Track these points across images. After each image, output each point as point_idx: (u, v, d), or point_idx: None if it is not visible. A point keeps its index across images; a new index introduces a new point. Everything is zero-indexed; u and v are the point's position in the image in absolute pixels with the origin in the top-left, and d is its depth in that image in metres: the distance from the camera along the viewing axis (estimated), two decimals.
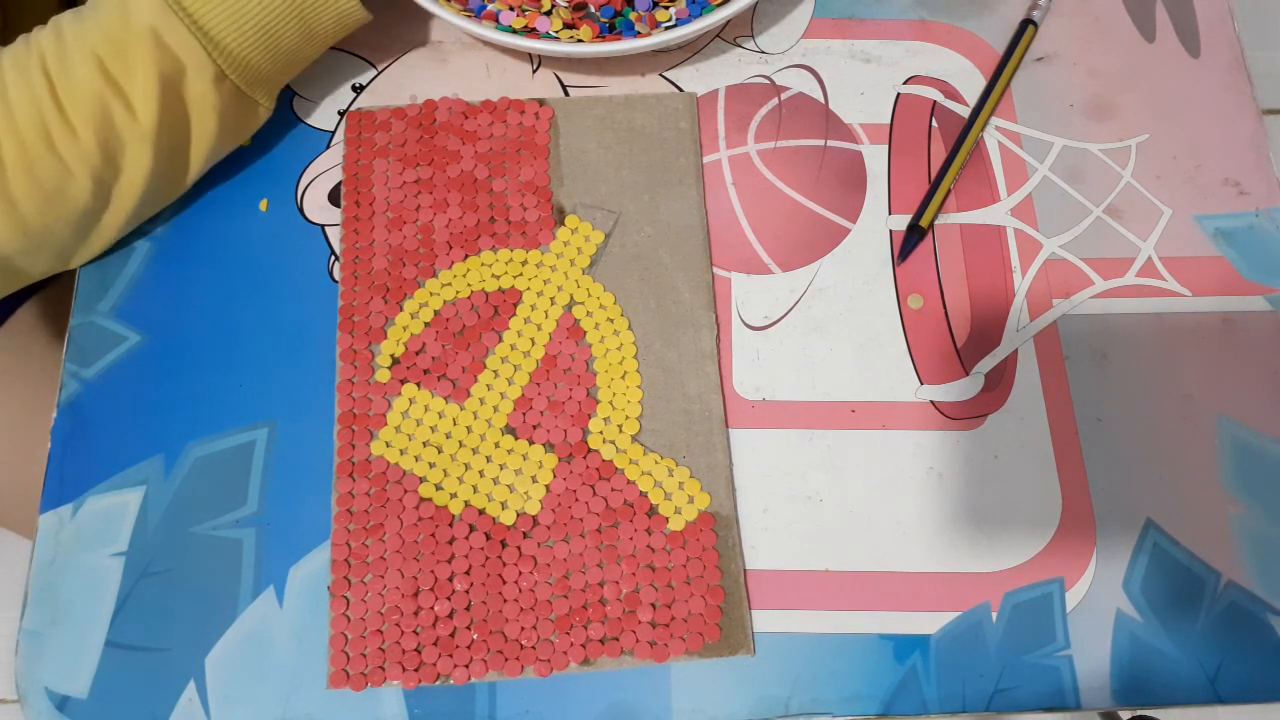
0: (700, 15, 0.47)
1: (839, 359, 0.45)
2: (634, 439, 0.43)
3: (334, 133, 0.49)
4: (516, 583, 0.41)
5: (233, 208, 0.47)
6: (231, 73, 0.41)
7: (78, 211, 0.41)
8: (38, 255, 0.42)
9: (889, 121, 0.50)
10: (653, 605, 0.40)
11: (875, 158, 0.50)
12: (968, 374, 0.45)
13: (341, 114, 0.49)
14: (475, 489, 0.42)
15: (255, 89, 0.43)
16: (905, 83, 0.51)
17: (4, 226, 0.39)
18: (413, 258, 0.46)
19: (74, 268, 0.45)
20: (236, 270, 0.46)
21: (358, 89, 0.50)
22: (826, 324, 0.46)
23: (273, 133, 0.48)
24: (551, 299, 0.45)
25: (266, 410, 0.44)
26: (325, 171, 0.48)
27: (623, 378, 0.44)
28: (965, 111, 0.51)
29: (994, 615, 0.41)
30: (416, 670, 0.39)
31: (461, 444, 0.43)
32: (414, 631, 0.40)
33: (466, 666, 0.39)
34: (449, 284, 0.45)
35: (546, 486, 0.42)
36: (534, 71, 0.51)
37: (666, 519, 0.42)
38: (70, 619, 0.40)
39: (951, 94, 0.51)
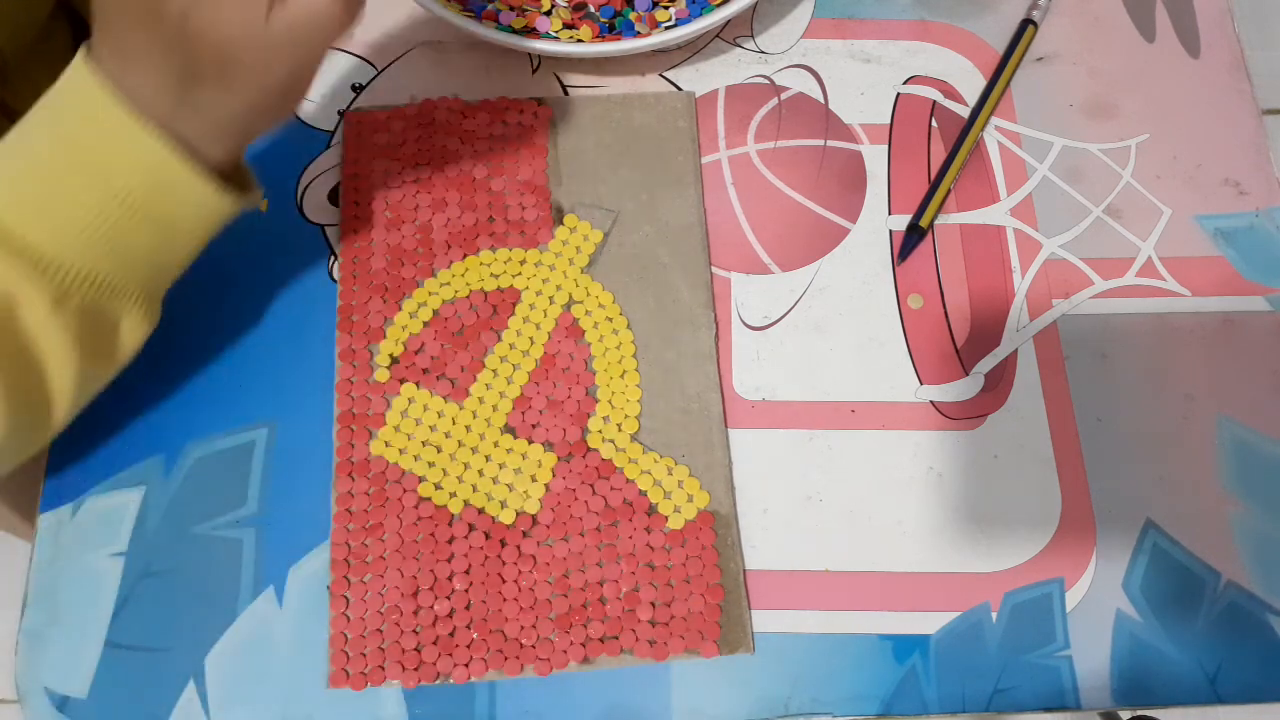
0: (700, 15, 0.47)
1: (839, 359, 0.45)
2: (633, 438, 0.43)
3: (333, 133, 0.49)
4: (516, 582, 0.41)
5: None
6: (77, 292, 0.34)
7: None
8: None
9: (889, 121, 0.50)
10: (652, 604, 0.40)
11: (875, 158, 0.50)
12: (968, 374, 0.45)
13: (341, 114, 0.49)
14: (475, 488, 0.42)
15: (116, 305, 0.36)
16: (905, 83, 0.51)
17: None
18: (411, 257, 0.46)
19: None
20: (236, 270, 0.46)
21: (357, 89, 0.50)
22: (826, 324, 0.46)
23: (273, 133, 0.48)
24: (550, 298, 0.45)
25: (266, 410, 0.44)
26: (325, 171, 0.48)
27: (622, 377, 0.44)
28: (965, 111, 0.51)
29: (994, 615, 0.41)
30: (416, 670, 0.39)
31: (461, 443, 0.43)
32: (414, 631, 0.40)
33: (466, 666, 0.39)
34: (448, 283, 0.45)
35: (546, 485, 0.42)
36: (534, 71, 0.51)
37: (666, 518, 0.42)
38: (70, 619, 0.40)
39: (951, 94, 0.51)
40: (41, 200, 0.34)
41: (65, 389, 0.37)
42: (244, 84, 0.33)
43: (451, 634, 0.40)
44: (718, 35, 0.52)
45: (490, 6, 0.49)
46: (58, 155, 0.34)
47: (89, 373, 0.37)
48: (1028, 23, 0.52)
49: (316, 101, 0.50)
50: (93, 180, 0.34)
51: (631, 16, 0.49)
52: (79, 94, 0.34)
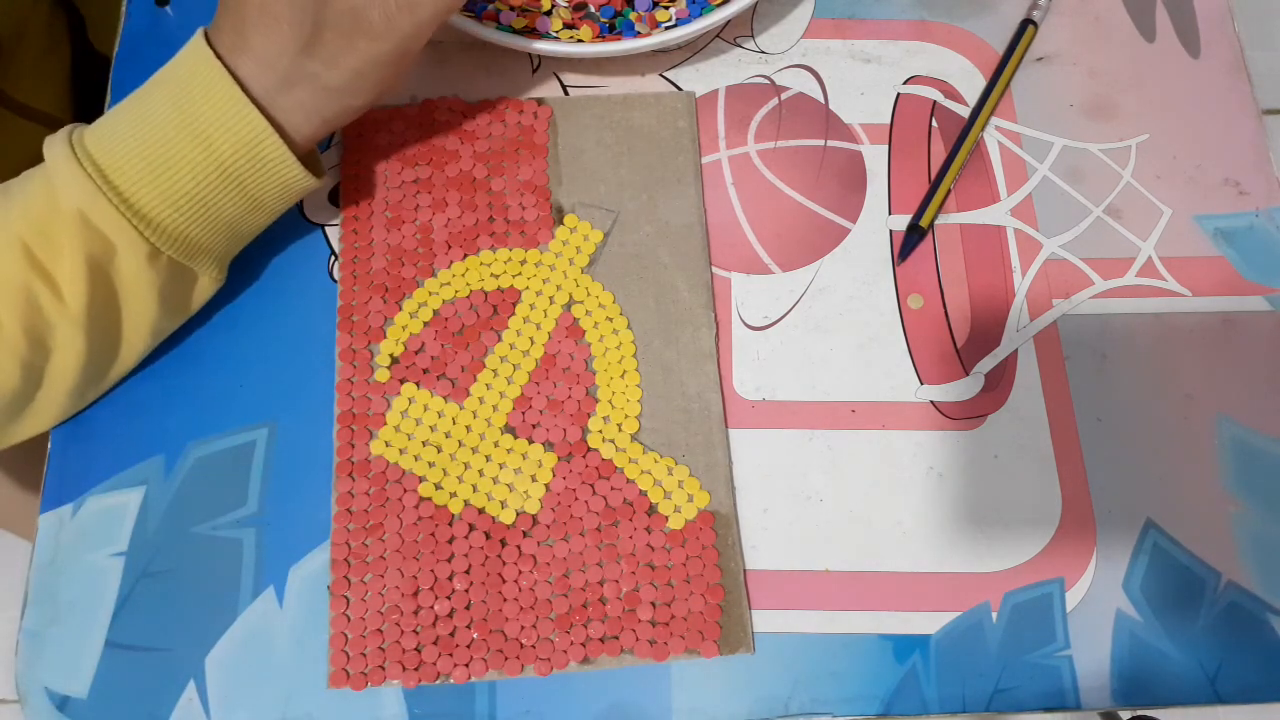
0: (700, 15, 0.47)
1: (839, 359, 0.45)
2: (633, 438, 0.43)
3: (333, 133, 0.49)
4: (516, 582, 0.41)
5: None
6: (168, 248, 0.38)
7: (6, 395, 0.39)
8: None
9: (889, 121, 0.50)
10: (652, 604, 0.40)
11: (875, 158, 0.50)
12: (968, 374, 0.45)
13: None
14: (475, 488, 0.42)
15: (198, 262, 0.40)
16: (905, 83, 0.51)
17: None
18: (412, 257, 0.46)
19: (12, 444, 0.43)
20: (236, 270, 0.46)
21: None
22: (826, 324, 0.46)
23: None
24: (550, 298, 0.45)
25: (266, 410, 0.44)
26: (325, 171, 0.48)
27: (622, 377, 0.44)
28: (965, 111, 0.51)
29: (994, 615, 0.41)
30: (416, 670, 0.39)
31: (461, 443, 0.43)
32: (414, 631, 0.40)
33: (466, 666, 0.39)
34: (448, 283, 0.45)
35: (546, 485, 0.42)
36: (534, 71, 0.51)
37: (666, 518, 0.42)
38: (70, 619, 0.40)
39: (951, 94, 0.51)
40: (151, 164, 0.37)
41: (140, 337, 0.41)
42: (364, 43, 0.37)
43: (452, 634, 0.40)
44: (718, 35, 0.52)
45: (490, 6, 0.49)
46: (170, 123, 0.37)
47: (161, 325, 0.41)
48: (1028, 23, 0.52)
49: None
50: (200, 151, 0.37)
51: (631, 16, 0.49)
52: (195, 67, 0.37)
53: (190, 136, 0.37)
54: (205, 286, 0.42)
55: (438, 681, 0.39)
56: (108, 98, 0.48)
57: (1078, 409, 0.45)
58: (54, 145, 0.37)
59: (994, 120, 0.50)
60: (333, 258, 0.46)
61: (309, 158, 0.42)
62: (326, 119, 0.39)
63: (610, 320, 0.45)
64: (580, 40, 0.48)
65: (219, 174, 0.38)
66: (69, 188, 0.36)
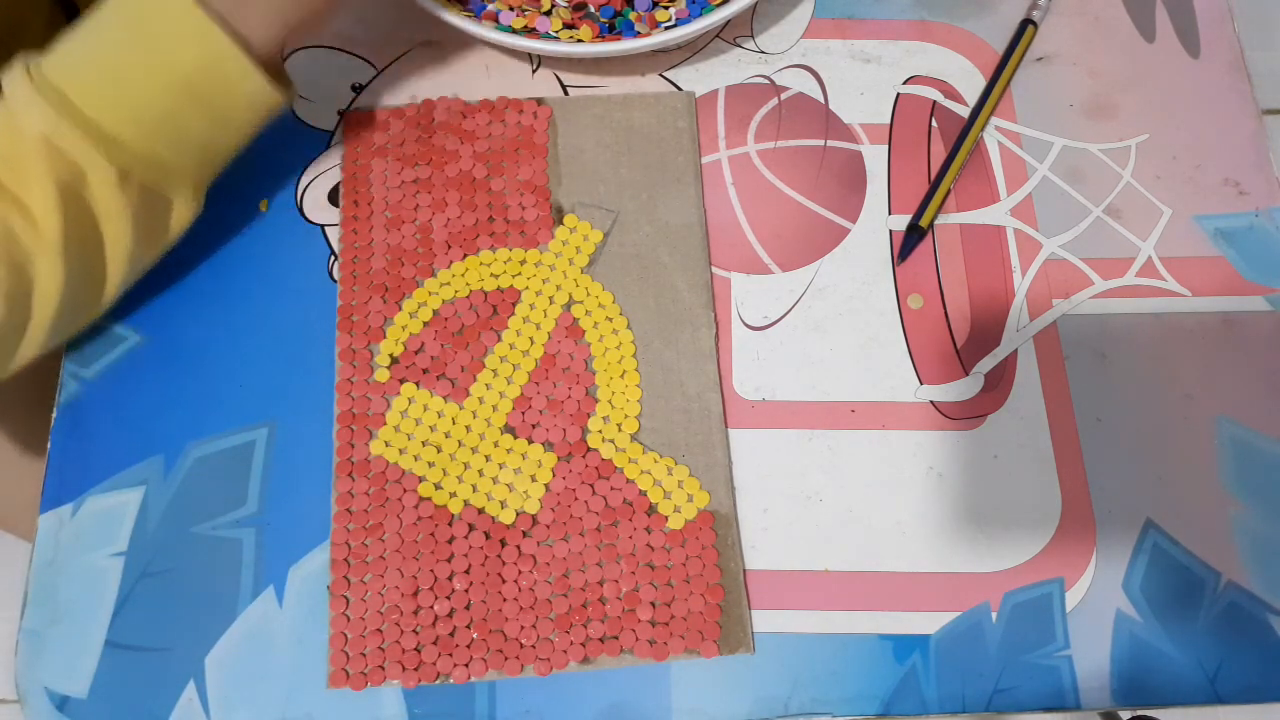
0: (700, 15, 0.47)
1: (839, 359, 0.45)
2: (633, 438, 0.43)
3: (333, 133, 0.49)
4: (516, 582, 0.41)
5: (233, 208, 0.47)
6: (138, 171, 0.38)
7: None
8: None
9: (889, 121, 0.50)
10: (652, 604, 0.40)
11: (875, 158, 0.50)
12: (967, 374, 0.45)
13: (341, 114, 0.49)
14: (475, 488, 0.42)
15: (171, 186, 0.40)
16: (905, 83, 0.51)
17: None
18: (411, 257, 0.46)
19: (3, 377, 0.42)
20: (236, 270, 0.46)
21: (357, 89, 0.50)
22: (826, 324, 0.46)
23: (273, 133, 0.48)
24: (550, 298, 0.45)
25: (266, 410, 0.44)
26: (325, 171, 0.48)
27: (622, 377, 0.44)
28: (965, 111, 0.51)
29: (994, 615, 0.41)
30: (416, 669, 0.39)
31: (461, 443, 0.43)
32: (414, 631, 0.40)
33: (466, 666, 0.39)
34: (448, 283, 0.45)
35: (546, 485, 0.42)
36: (534, 71, 0.51)
37: (666, 518, 0.42)
38: (70, 619, 0.40)
39: (951, 94, 0.51)
40: (111, 84, 0.37)
41: (119, 265, 0.40)
42: None
43: (451, 634, 0.40)
44: (718, 35, 0.52)
45: (490, 6, 0.49)
46: (126, 42, 0.37)
47: (139, 253, 0.41)
48: (1028, 23, 0.52)
49: (316, 101, 0.50)
50: (158, 67, 0.37)
51: (631, 16, 0.49)
52: None
53: (148, 53, 0.37)
54: (181, 213, 0.41)
55: (437, 681, 0.39)
56: None
57: (1077, 409, 0.45)
58: (12, 74, 0.37)
59: (994, 120, 0.50)
60: (332, 258, 0.46)
61: (276, 72, 0.41)
62: (288, 22, 0.39)
63: (610, 320, 0.45)
64: (580, 40, 0.48)
65: (182, 90, 0.37)
66: (30, 114, 0.36)
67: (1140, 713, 0.44)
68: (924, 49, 0.52)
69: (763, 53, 0.52)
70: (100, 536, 0.41)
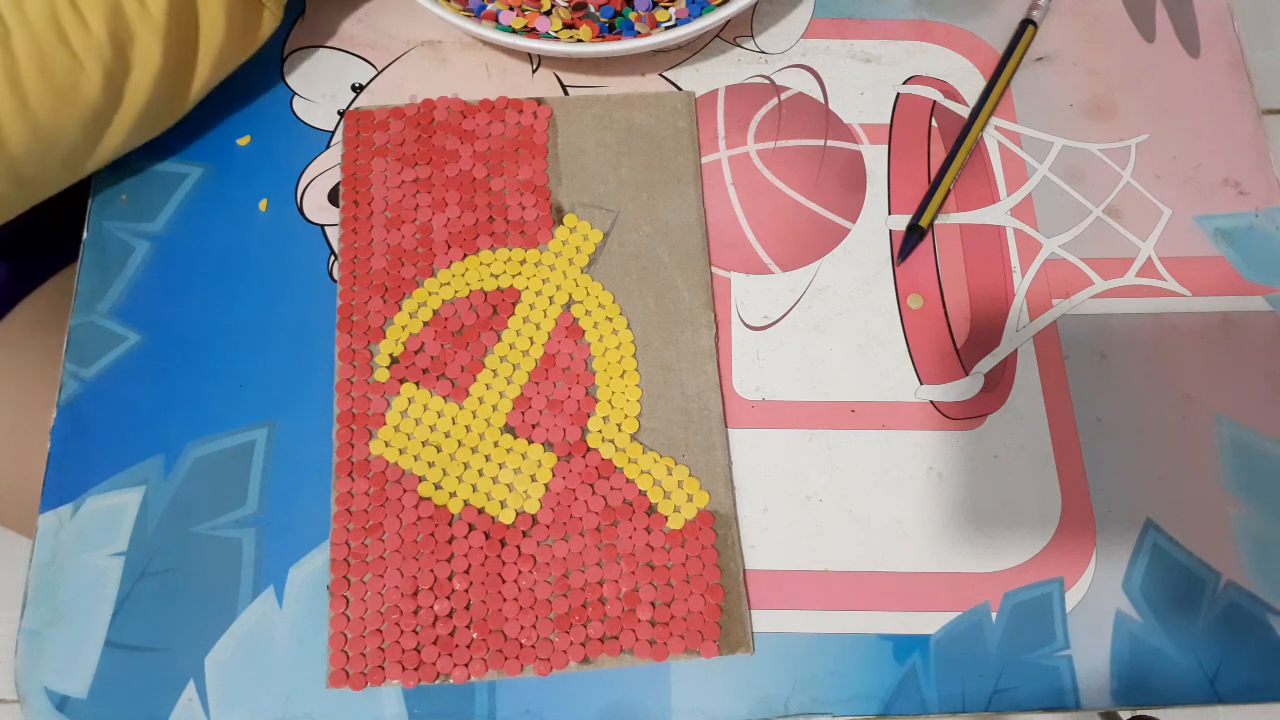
0: (700, 15, 0.47)
1: (839, 359, 0.45)
2: (633, 438, 0.43)
3: (333, 133, 0.49)
4: (516, 582, 0.41)
5: (233, 208, 0.47)
6: None
7: (88, 109, 0.40)
8: (46, 159, 0.41)
9: (889, 121, 0.50)
10: (652, 604, 0.40)
11: (875, 158, 0.50)
12: (967, 374, 0.45)
13: (341, 114, 0.49)
14: (474, 488, 0.42)
15: None
16: (905, 83, 0.51)
17: (16, 124, 0.38)
18: (411, 257, 0.46)
19: (80, 178, 0.44)
20: (236, 270, 0.46)
21: (357, 89, 0.50)
22: (826, 324, 0.46)
23: (273, 133, 0.48)
24: (550, 298, 0.45)
25: (266, 410, 0.44)
26: (325, 171, 0.48)
27: (621, 376, 0.44)
28: (965, 111, 0.51)
29: (994, 615, 0.41)
30: (416, 670, 0.39)
31: (461, 443, 0.43)
32: (414, 631, 0.40)
33: (466, 666, 0.39)
34: (448, 283, 0.45)
35: (546, 485, 0.42)
36: (534, 71, 0.51)
37: (666, 518, 0.42)
38: (70, 619, 0.40)
39: (951, 94, 0.51)
40: None
41: (208, 63, 0.43)
42: None
43: (451, 634, 0.40)
44: (718, 35, 0.52)
45: (490, 6, 0.49)
46: None
47: (228, 54, 0.44)
48: (1028, 23, 0.52)
49: (316, 101, 0.50)
50: None
51: (631, 16, 0.49)
52: None
53: None
54: (268, 21, 0.45)
55: (437, 681, 0.39)
56: None
57: (1077, 409, 0.45)
58: None
59: (994, 120, 0.50)
60: (332, 258, 0.46)
61: None
62: None
63: (610, 320, 0.45)
64: (580, 40, 0.48)
65: None
66: None
67: (1140, 713, 0.44)
68: (924, 49, 0.52)
69: (763, 53, 0.52)
70: (100, 536, 0.41)
